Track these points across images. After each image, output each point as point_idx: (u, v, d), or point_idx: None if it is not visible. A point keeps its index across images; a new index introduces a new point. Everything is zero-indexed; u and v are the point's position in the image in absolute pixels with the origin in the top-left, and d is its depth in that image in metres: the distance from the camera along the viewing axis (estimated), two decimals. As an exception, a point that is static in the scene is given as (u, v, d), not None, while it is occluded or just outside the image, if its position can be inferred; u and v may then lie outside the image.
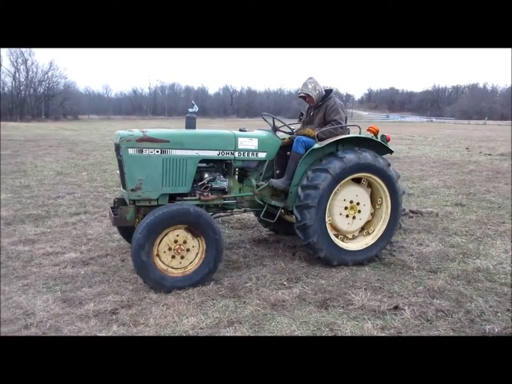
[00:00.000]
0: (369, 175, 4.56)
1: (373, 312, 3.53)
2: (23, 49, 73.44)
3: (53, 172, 10.56)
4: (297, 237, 4.53)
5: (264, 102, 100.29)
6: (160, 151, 4.05)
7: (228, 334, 3.14)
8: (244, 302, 3.69)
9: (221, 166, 4.56)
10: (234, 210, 4.77)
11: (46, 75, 77.31)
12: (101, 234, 5.56)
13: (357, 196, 4.60)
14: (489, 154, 15.18)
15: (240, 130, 4.71)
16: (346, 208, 4.56)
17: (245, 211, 4.88)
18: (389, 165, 4.64)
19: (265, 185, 4.66)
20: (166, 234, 3.87)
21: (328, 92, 4.83)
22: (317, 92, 4.75)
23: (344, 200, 4.54)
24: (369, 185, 4.74)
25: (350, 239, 4.72)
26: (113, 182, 9.36)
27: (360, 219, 4.67)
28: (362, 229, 4.79)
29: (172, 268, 3.94)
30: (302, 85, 4.80)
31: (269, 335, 3.15)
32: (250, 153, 4.49)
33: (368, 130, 4.80)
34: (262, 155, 4.56)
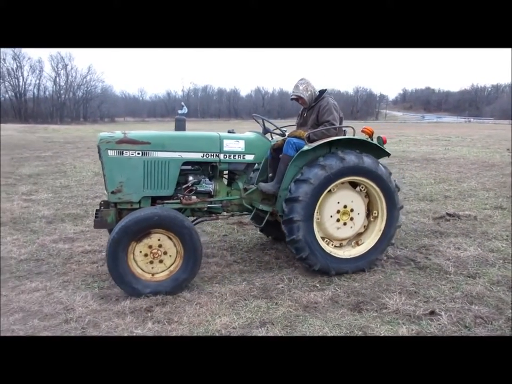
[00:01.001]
0: (358, 178, 4.29)
1: (407, 316, 3.46)
2: (63, 55, 76.36)
3: (91, 173, 10.91)
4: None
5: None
6: (141, 153, 3.96)
7: (260, 335, 3.16)
8: (276, 303, 3.70)
9: (206, 169, 4.41)
10: (222, 214, 4.62)
11: (85, 79, 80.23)
12: (136, 234, 5.70)
13: (352, 201, 4.35)
14: (532, 156, 14.53)
15: (229, 132, 4.55)
16: (338, 211, 4.32)
17: (232, 215, 4.71)
18: (377, 163, 4.34)
19: (253, 188, 4.47)
20: (141, 239, 3.75)
21: (322, 92, 4.62)
22: (309, 92, 4.55)
23: (338, 202, 4.30)
24: (368, 195, 4.50)
25: (336, 246, 4.45)
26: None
27: (351, 227, 4.40)
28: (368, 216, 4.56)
29: (158, 273, 3.85)
30: (294, 87, 4.61)
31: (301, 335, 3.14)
32: (237, 155, 4.32)
33: (362, 131, 4.54)
34: (249, 157, 4.39)
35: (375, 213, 4.52)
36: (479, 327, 3.27)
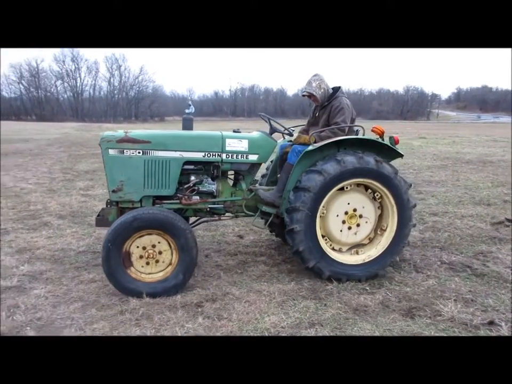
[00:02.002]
0: (369, 181, 4.09)
1: (464, 325, 3.31)
2: (118, 56, 79.59)
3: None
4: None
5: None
6: (141, 152, 3.94)
7: (309, 335, 3.14)
8: (325, 304, 3.66)
9: (208, 169, 4.31)
10: (226, 215, 4.52)
11: (137, 79, 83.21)
12: (186, 230, 5.84)
13: (348, 203, 4.13)
14: None
15: (234, 131, 4.43)
16: (346, 213, 4.14)
17: (236, 216, 4.55)
18: (381, 162, 4.08)
19: (255, 190, 4.37)
20: (131, 244, 3.75)
21: (335, 90, 4.44)
22: (322, 90, 4.37)
23: (349, 203, 4.12)
24: (381, 207, 4.30)
25: (335, 250, 4.27)
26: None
27: (355, 234, 4.20)
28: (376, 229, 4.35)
29: (151, 273, 3.83)
30: (306, 83, 4.42)
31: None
32: (240, 155, 4.20)
33: (372, 131, 4.30)
34: (253, 157, 4.25)
35: (383, 226, 4.31)
36: (543, 341, 3.08)
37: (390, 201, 4.19)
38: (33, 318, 3.38)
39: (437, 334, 3.17)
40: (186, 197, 4.16)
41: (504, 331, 3.18)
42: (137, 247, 3.77)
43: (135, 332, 3.18)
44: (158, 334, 3.16)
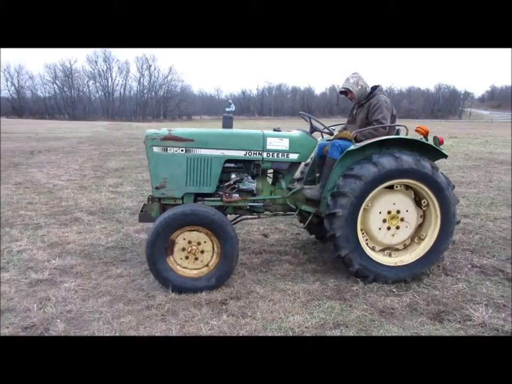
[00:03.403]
0: (412, 182, 3.99)
1: (495, 331, 3.20)
2: (148, 56, 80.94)
3: (170, 168, 11.43)
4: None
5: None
6: (184, 150, 4.01)
7: (334, 336, 3.11)
8: (350, 305, 3.62)
9: (249, 167, 4.33)
10: (265, 213, 4.51)
11: (166, 79, 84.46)
12: (212, 228, 5.88)
13: (394, 204, 4.05)
14: None
15: (274, 130, 4.40)
16: (385, 220, 4.07)
17: (275, 215, 4.55)
18: (437, 169, 4.04)
19: (297, 188, 4.38)
20: (179, 235, 3.81)
21: (374, 88, 4.39)
22: (359, 87, 4.33)
23: (380, 213, 4.05)
24: (409, 188, 4.17)
25: (400, 250, 4.23)
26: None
27: (407, 226, 4.11)
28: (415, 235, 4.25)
29: (186, 268, 3.88)
30: (344, 80, 4.41)
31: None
32: (280, 154, 4.20)
33: (416, 131, 4.20)
34: (293, 156, 4.24)
35: (422, 235, 4.20)
36: None
37: (435, 211, 4.10)
38: (63, 310, 3.48)
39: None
40: (227, 194, 4.20)
41: (538, 338, 3.06)
42: (184, 239, 3.83)
43: (161, 327, 3.23)
44: (183, 330, 3.19)
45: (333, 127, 4.67)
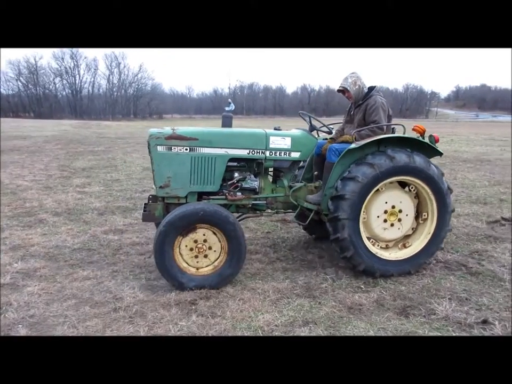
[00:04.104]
0: (407, 178, 4.12)
1: (458, 324, 3.31)
2: (117, 54, 79.42)
3: (140, 167, 11.26)
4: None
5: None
6: (188, 149, 4.03)
7: (302, 334, 3.13)
8: (319, 302, 3.66)
9: (252, 166, 4.40)
10: (267, 211, 4.58)
11: (136, 77, 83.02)
12: (182, 228, 5.82)
13: (400, 202, 4.19)
14: None
15: (275, 129, 4.49)
16: (386, 212, 4.18)
17: (277, 212, 4.63)
18: (429, 163, 4.15)
19: (299, 186, 4.46)
20: (181, 241, 3.82)
21: (371, 89, 4.47)
22: (357, 87, 4.40)
23: (386, 202, 4.15)
24: (417, 196, 4.33)
25: (382, 247, 4.31)
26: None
27: (399, 229, 4.24)
28: (417, 218, 4.39)
29: (203, 267, 3.90)
30: (343, 79, 4.47)
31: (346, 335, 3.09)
32: (283, 152, 4.29)
33: (413, 129, 4.33)
34: (295, 155, 4.34)
35: (424, 215, 4.34)
36: (536, 340, 3.07)
37: (426, 191, 4.22)
38: (25, 315, 3.36)
39: (431, 333, 3.17)
40: (232, 193, 4.24)
41: (497, 330, 3.18)
42: (191, 238, 3.83)
43: (128, 329, 3.17)
44: (152, 332, 3.15)
45: (331, 126, 4.76)
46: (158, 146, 3.97)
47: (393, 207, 4.20)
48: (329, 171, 4.21)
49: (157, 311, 3.46)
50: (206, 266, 3.92)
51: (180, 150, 4.02)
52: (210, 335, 3.12)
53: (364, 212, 4.10)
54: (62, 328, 3.17)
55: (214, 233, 3.88)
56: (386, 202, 4.18)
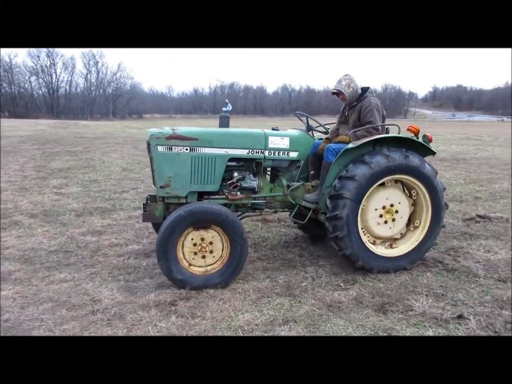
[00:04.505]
0: (403, 176, 4.23)
1: (434, 319, 3.37)
2: (95, 52, 78.19)
3: (119, 168, 11.12)
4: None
5: (323, 101, 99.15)
6: (189, 149, 4.05)
7: (282, 333, 3.14)
8: (299, 301, 3.68)
9: (251, 165, 4.46)
10: (265, 210, 4.65)
11: (115, 76, 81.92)
12: (161, 228, 5.77)
13: (387, 199, 4.26)
14: None
15: (273, 129, 4.55)
16: (381, 216, 4.27)
17: (275, 211, 4.71)
18: (424, 162, 4.28)
19: (297, 185, 4.50)
20: (190, 232, 3.83)
21: (364, 90, 4.54)
22: (351, 89, 4.46)
23: (376, 210, 4.24)
24: (414, 204, 4.45)
25: (398, 239, 4.45)
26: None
27: (402, 217, 4.34)
28: (409, 223, 4.51)
29: (195, 266, 3.90)
30: (337, 82, 4.54)
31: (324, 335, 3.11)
32: (281, 152, 4.37)
33: (408, 130, 4.45)
34: (293, 154, 4.43)
35: (417, 223, 4.45)
36: (509, 333, 3.16)
37: (426, 200, 4.35)
38: None
39: (408, 329, 3.22)
40: (232, 192, 4.28)
41: (472, 324, 3.25)
42: (192, 239, 3.85)
43: (106, 332, 3.12)
44: (130, 334, 3.11)
45: (327, 126, 4.83)
46: (158, 146, 3.97)
47: (391, 205, 4.29)
48: (326, 170, 4.27)
49: (135, 312, 3.42)
50: (198, 267, 3.90)
51: (181, 150, 4.03)
52: (190, 335, 3.10)
53: (365, 199, 4.16)
54: (38, 332, 3.11)
55: (222, 241, 3.91)
56: (387, 198, 4.27)
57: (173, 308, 3.52)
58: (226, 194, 4.28)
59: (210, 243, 3.87)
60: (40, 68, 76.84)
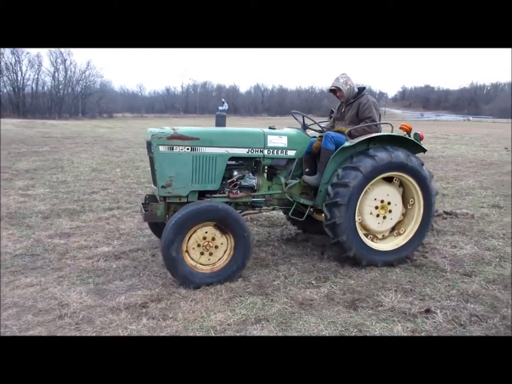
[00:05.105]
0: (401, 174, 4.44)
1: (403, 314, 3.45)
2: (62, 50, 76.05)
3: (88, 168, 10.87)
4: (326, 236, 4.48)
5: (295, 101, 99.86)
6: (190, 149, 4.09)
7: (254, 331, 3.15)
8: (272, 300, 3.69)
9: (250, 164, 4.56)
10: (263, 208, 4.76)
11: (84, 74, 79.90)
12: (132, 230, 5.69)
13: (388, 195, 4.49)
14: (530, 155, 14.54)
15: (270, 128, 4.67)
16: (377, 207, 4.47)
17: (273, 209, 4.83)
18: (422, 164, 4.51)
19: (294, 183, 4.62)
20: (195, 231, 3.89)
21: (361, 89, 4.74)
22: (348, 87, 4.65)
23: (375, 199, 4.44)
24: (401, 184, 4.63)
25: (379, 239, 4.62)
26: (145, 178, 9.56)
27: (391, 219, 4.55)
28: (393, 229, 4.69)
29: (201, 264, 3.96)
30: (334, 79, 4.73)
31: (296, 334, 3.14)
32: (280, 151, 4.47)
33: (400, 128, 4.67)
34: (291, 153, 4.53)
35: (411, 201, 4.62)
36: (474, 325, 3.27)
37: (409, 181, 4.51)
38: (-39, 327, 3.15)
39: (378, 324, 3.28)
40: (234, 191, 4.35)
41: (439, 318, 3.35)
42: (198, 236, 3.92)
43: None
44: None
45: (322, 125, 5.00)
46: (160, 146, 3.99)
47: (382, 201, 4.45)
48: (325, 156, 4.42)
49: (105, 316, 3.35)
50: (191, 259, 3.93)
51: (182, 149, 4.06)
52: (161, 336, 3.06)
53: (358, 214, 4.34)
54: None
55: (227, 249, 4.00)
56: (375, 199, 4.42)
57: (143, 310, 3.47)
58: (228, 193, 4.32)
59: (213, 239, 3.95)
60: (5, 65, 74.12)
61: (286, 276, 4.19)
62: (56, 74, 78.43)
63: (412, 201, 4.62)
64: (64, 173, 10.19)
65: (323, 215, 4.44)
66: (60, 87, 79.27)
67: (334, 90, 4.76)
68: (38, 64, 77.10)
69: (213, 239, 3.96)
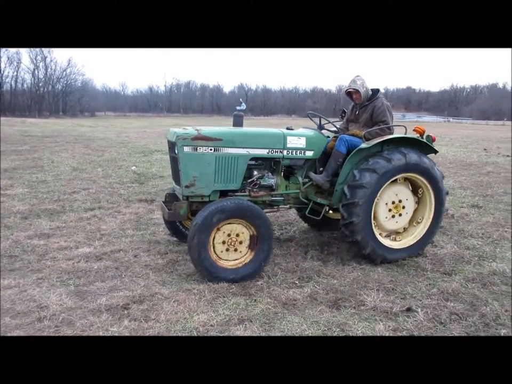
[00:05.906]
0: (415, 175, 4.56)
1: (385, 313, 3.49)
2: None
3: (69, 168, 10.69)
4: (311, 236, 4.52)
5: (279, 101, 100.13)
6: (213, 149, 4.19)
7: (238, 332, 3.14)
8: (255, 300, 3.68)
9: (269, 164, 4.67)
10: (281, 206, 4.92)
11: (64, 72, 78.55)
12: (114, 230, 5.61)
13: (396, 195, 4.58)
14: (508, 156, 14.88)
15: (287, 128, 4.78)
16: (390, 210, 4.59)
17: (290, 207, 5.03)
18: (434, 164, 4.64)
19: (310, 182, 4.72)
20: (220, 228, 3.98)
21: (375, 92, 4.83)
22: (365, 89, 4.74)
23: (386, 204, 4.56)
24: (405, 179, 4.70)
25: (401, 233, 4.78)
26: (127, 178, 9.45)
27: (407, 213, 4.68)
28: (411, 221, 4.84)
29: (226, 260, 4.06)
30: (350, 81, 4.82)
31: (279, 334, 3.14)
32: (298, 151, 4.57)
33: (414, 130, 4.78)
34: (309, 153, 4.65)
35: (419, 219, 4.76)
36: (454, 324, 3.33)
37: (430, 197, 4.71)
38: None
39: (360, 323, 3.31)
40: (255, 190, 4.48)
41: (420, 317, 3.40)
42: (224, 232, 4.02)
43: (54, 339, 2.98)
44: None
45: (337, 125, 5.11)
46: (184, 147, 4.09)
47: (400, 201, 4.57)
48: (335, 158, 4.55)
49: (86, 318, 3.30)
50: (214, 252, 4.03)
51: (205, 150, 4.17)
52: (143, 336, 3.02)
53: (379, 194, 4.44)
54: (-22, 343, 2.92)
55: (247, 246, 4.08)
56: (396, 194, 4.54)
57: (125, 312, 3.42)
58: (249, 192, 4.44)
59: (239, 239, 4.05)
60: (-18, 62, 72.31)
61: (270, 276, 4.19)
62: (36, 71, 76.89)
63: (421, 190, 4.73)
64: (44, 172, 9.99)
65: (339, 213, 4.54)
66: (40, 84, 77.72)
67: (350, 93, 4.84)
68: (17, 61, 75.46)
69: (237, 235, 4.06)
